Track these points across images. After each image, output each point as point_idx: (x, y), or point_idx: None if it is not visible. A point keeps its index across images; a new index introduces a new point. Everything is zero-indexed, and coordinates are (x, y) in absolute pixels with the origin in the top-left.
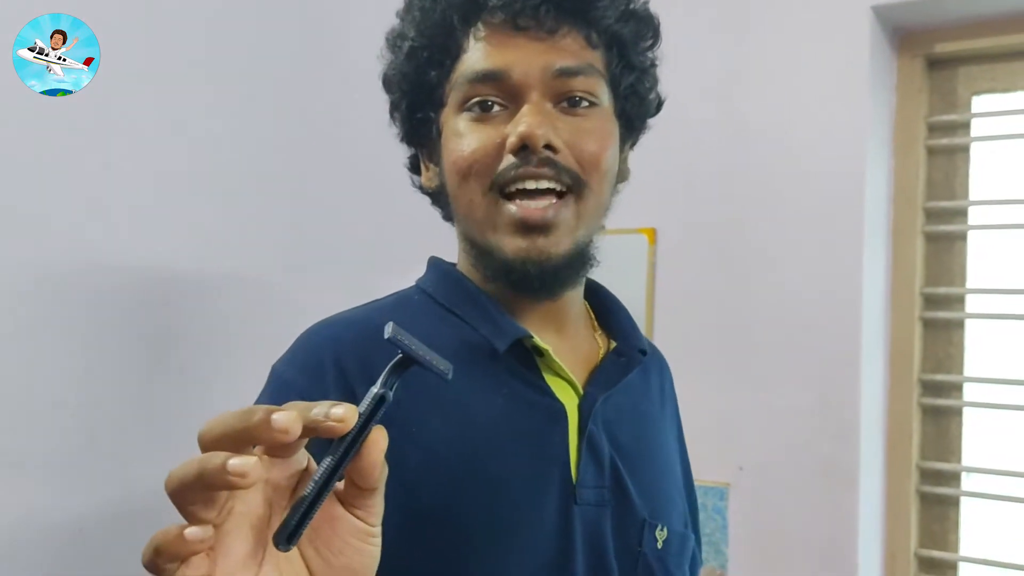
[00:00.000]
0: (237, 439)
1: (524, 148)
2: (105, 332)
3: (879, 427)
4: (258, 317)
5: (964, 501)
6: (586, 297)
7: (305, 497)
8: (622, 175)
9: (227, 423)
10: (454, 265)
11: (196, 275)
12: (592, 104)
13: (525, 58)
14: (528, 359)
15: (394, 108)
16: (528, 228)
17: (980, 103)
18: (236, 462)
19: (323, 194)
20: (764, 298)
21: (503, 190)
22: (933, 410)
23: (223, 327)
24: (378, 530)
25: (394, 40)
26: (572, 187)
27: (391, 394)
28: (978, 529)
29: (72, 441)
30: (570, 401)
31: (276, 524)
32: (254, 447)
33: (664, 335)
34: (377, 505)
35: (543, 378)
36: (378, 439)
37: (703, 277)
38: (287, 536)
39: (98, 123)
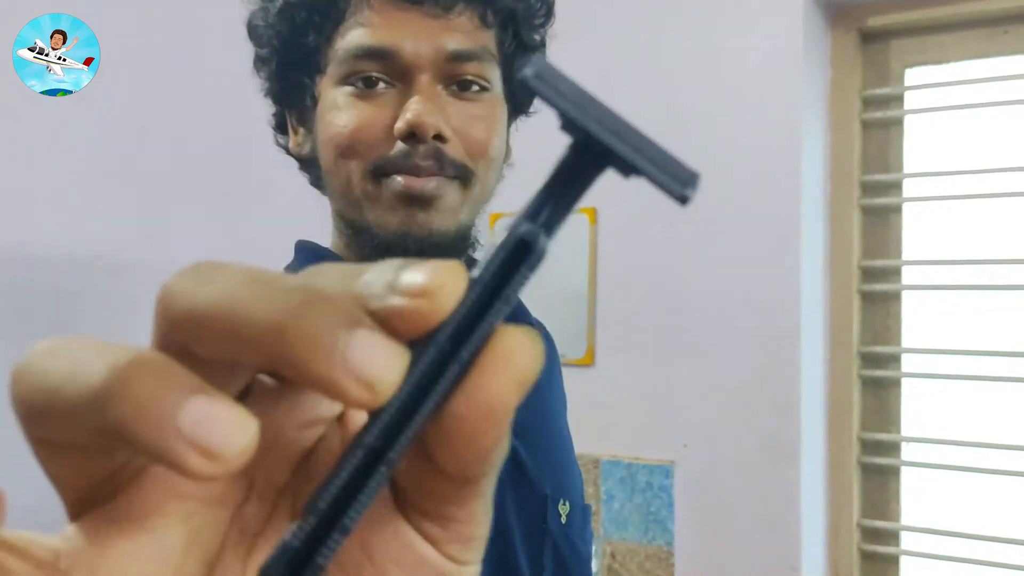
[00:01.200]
0: (272, 328)
1: (412, 135)
2: (33, 323)
3: (820, 400)
4: None
5: (904, 471)
6: None
7: (331, 483)
8: (507, 154)
9: (251, 287)
10: (327, 249)
11: (143, 267)
12: (483, 89)
13: (416, 37)
14: None
15: (260, 63)
16: (411, 200)
17: (912, 76)
18: (212, 414)
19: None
20: (704, 275)
21: (383, 173)
22: (872, 382)
23: None
24: (472, 569)
25: None
26: (458, 176)
27: (547, 239)
28: (919, 498)
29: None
30: None
31: (255, 519)
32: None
33: (606, 314)
34: (477, 514)
35: None
36: (509, 345)
37: (643, 256)
38: (286, 572)
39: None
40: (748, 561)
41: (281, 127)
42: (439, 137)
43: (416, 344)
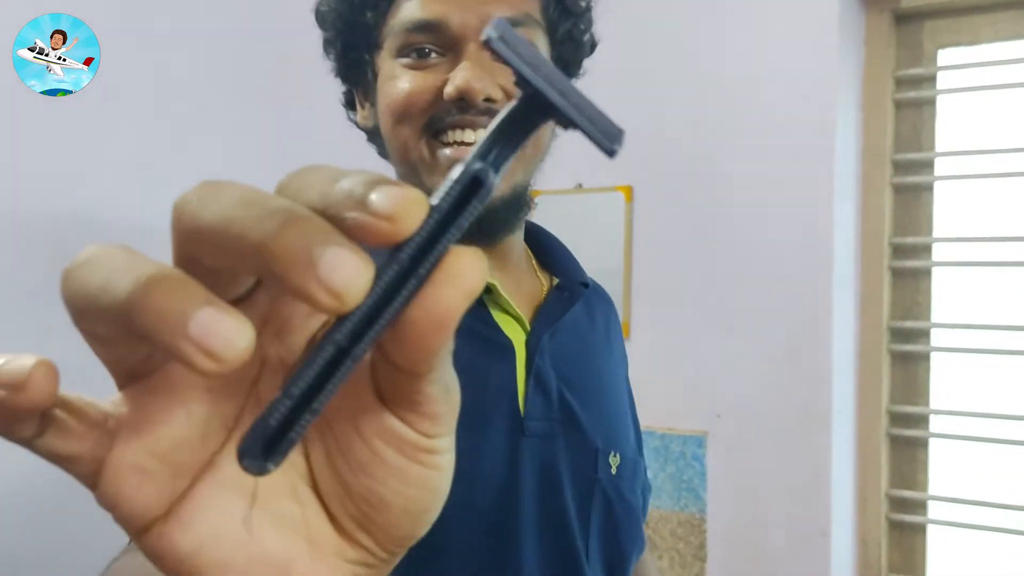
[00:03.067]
0: (257, 245)
1: (461, 99)
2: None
3: (850, 373)
4: None
5: (932, 442)
6: (524, 239)
7: (304, 373)
8: None
9: (246, 199)
10: None
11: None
12: None
13: (463, 8)
14: None
15: (328, 45)
16: None
17: (945, 56)
18: (215, 324)
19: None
20: (739, 251)
21: (438, 135)
22: (902, 356)
23: None
24: (443, 443)
25: None
26: None
27: (495, 176)
28: (946, 468)
29: None
30: (518, 337)
31: (269, 390)
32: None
33: (642, 290)
34: (434, 397)
35: (491, 314)
36: (459, 275)
37: (679, 232)
38: (263, 445)
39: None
40: (778, 528)
41: (350, 104)
42: (489, 100)
43: (379, 254)
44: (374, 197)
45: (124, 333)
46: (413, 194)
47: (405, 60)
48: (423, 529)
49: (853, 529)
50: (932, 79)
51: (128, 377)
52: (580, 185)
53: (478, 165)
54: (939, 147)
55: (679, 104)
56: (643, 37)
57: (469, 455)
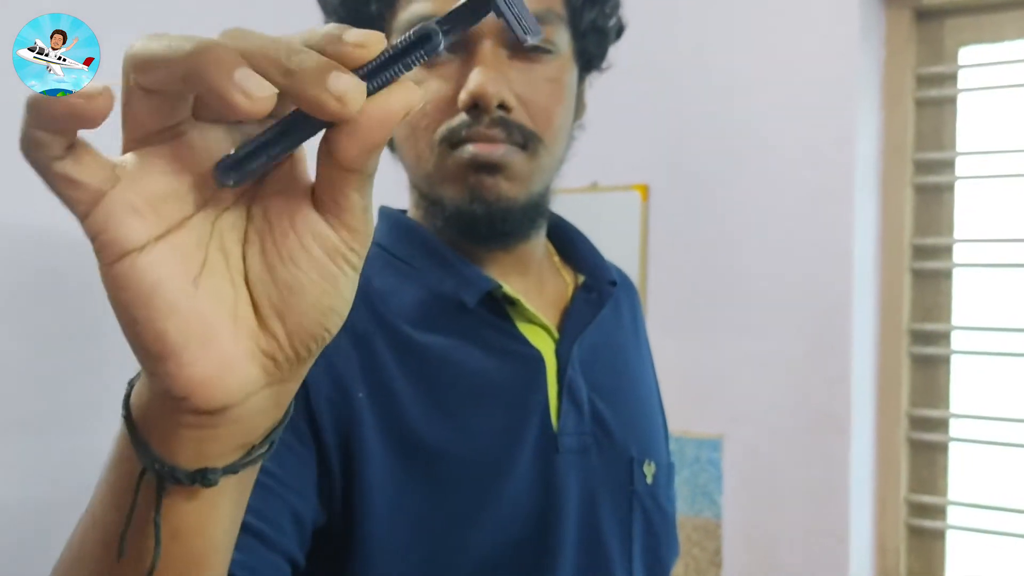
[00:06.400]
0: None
1: (475, 106)
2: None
3: (870, 376)
4: None
5: (952, 446)
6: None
7: (270, 128)
8: (579, 112)
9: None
10: (405, 212)
11: None
12: (548, 52)
13: None
14: (499, 308)
15: None
16: (479, 167)
17: (966, 54)
18: (248, 76)
19: None
20: (757, 251)
21: (454, 147)
22: (922, 359)
23: None
24: (356, 257)
25: None
26: (525, 144)
27: (444, 40)
28: (966, 473)
29: (30, 420)
30: (546, 346)
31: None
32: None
33: (658, 290)
34: (357, 212)
35: (516, 326)
36: (402, 92)
37: (696, 232)
38: (230, 164)
39: None
40: (795, 533)
41: None
42: (503, 106)
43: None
44: (348, 34)
45: (178, 81)
46: (374, 35)
47: None
48: (328, 329)
49: (871, 535)
50: (953, 77)
51: (138, 143)
52: (595, 184)
53: (433, 27)
54: (961, 146)
55: (697, 102)
56: (660, 35)
57: (503, 475)
